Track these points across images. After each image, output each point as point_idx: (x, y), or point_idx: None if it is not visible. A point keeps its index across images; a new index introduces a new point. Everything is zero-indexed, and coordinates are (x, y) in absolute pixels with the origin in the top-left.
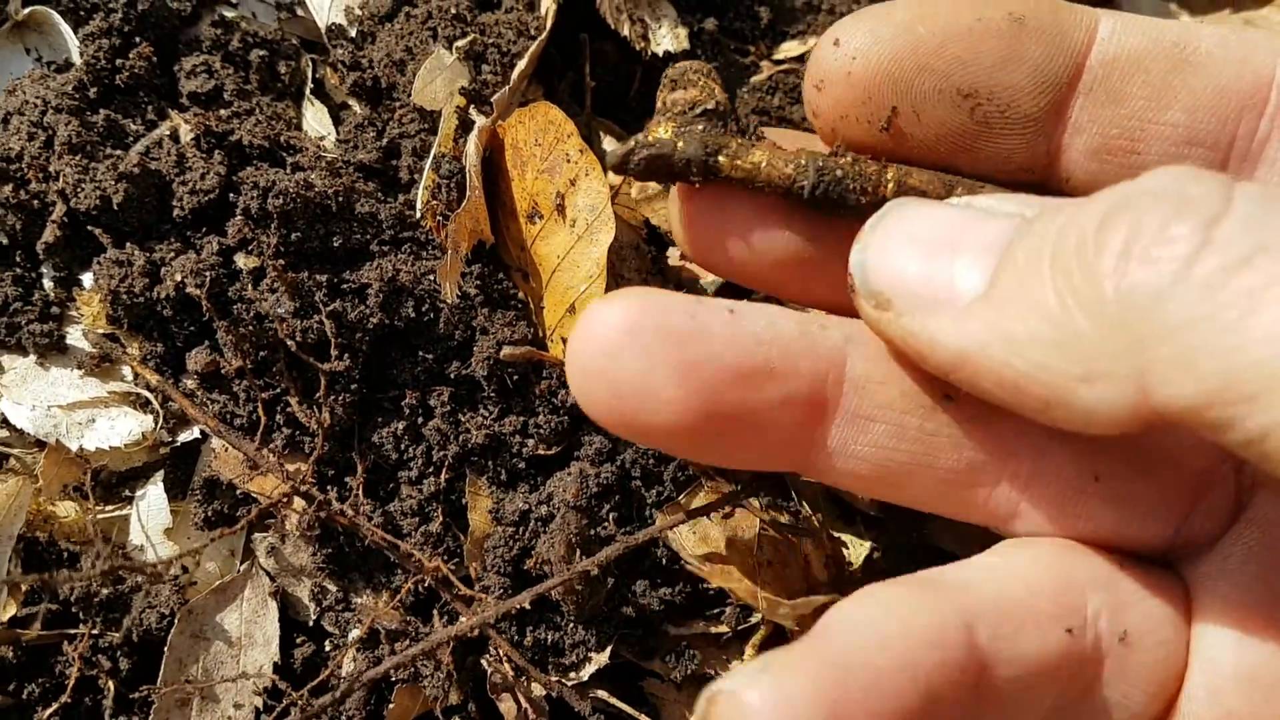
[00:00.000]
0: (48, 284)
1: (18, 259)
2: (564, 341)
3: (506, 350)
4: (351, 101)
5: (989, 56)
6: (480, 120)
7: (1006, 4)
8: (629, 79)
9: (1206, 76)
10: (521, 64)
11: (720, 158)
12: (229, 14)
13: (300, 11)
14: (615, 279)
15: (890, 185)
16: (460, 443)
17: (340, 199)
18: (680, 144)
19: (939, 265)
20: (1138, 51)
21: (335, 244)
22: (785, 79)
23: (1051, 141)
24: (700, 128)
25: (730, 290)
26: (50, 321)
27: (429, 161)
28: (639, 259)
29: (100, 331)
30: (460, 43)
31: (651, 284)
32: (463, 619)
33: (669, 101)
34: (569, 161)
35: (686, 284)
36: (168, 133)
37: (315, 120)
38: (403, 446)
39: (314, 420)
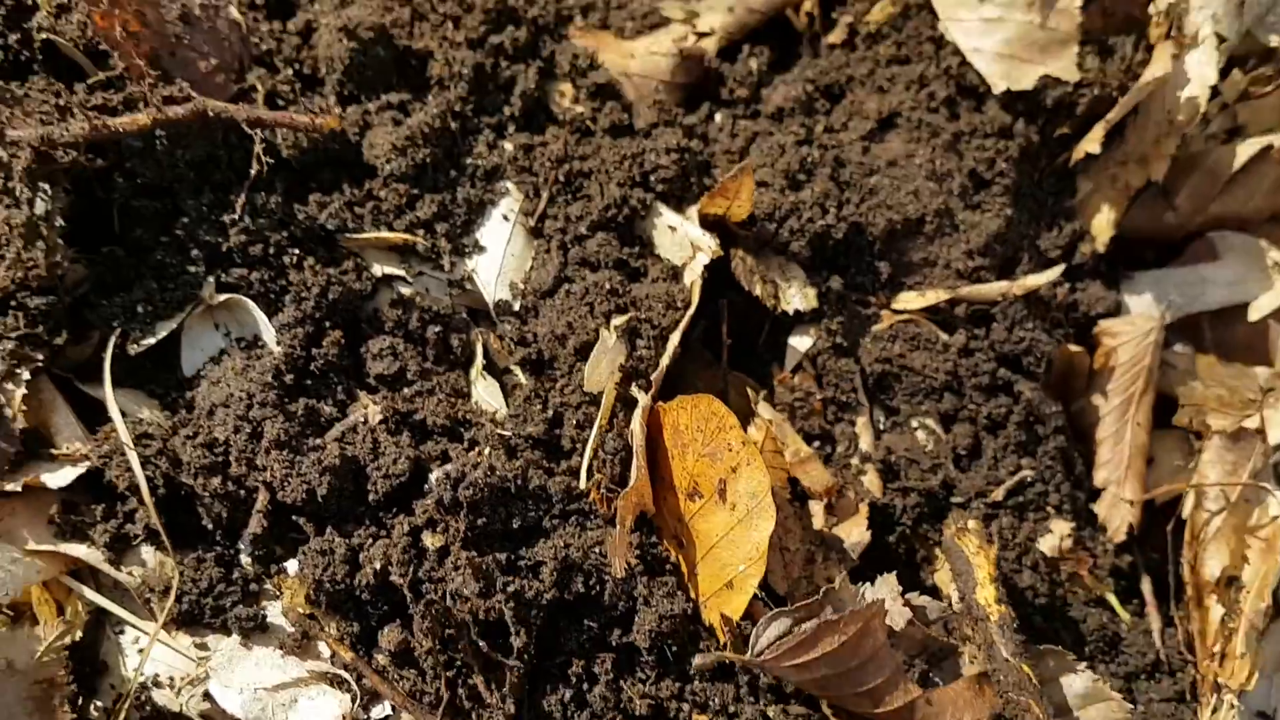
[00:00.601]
0: (245, 560)
1: (218, 538)
2: (721, 616)
3: (698, 661)
4: (516, 370)
5: None
6: (642, 399)
7: None
8: (758, 328)
9: None
10: (674, 339)
11: None
12: (406, 291)
13: (468, 285)
14: (779, 552)
15: None
16: (623, 709)
17: (518, 481)
18: None
19: None
20: None
21: (514, 524)
22: (905, 328)
23: None
24: None
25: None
26: (252, 603)
27: (593, 436)
28: (801, 528)
29: (300, 611)
30: (618, 321)
31: (811, 550)
32: None
33: None
34: (730, 450)
35: (830, 541)
36: (361, 418)
37: (486, 394)
38: (569, 713)
39: (495, 696)
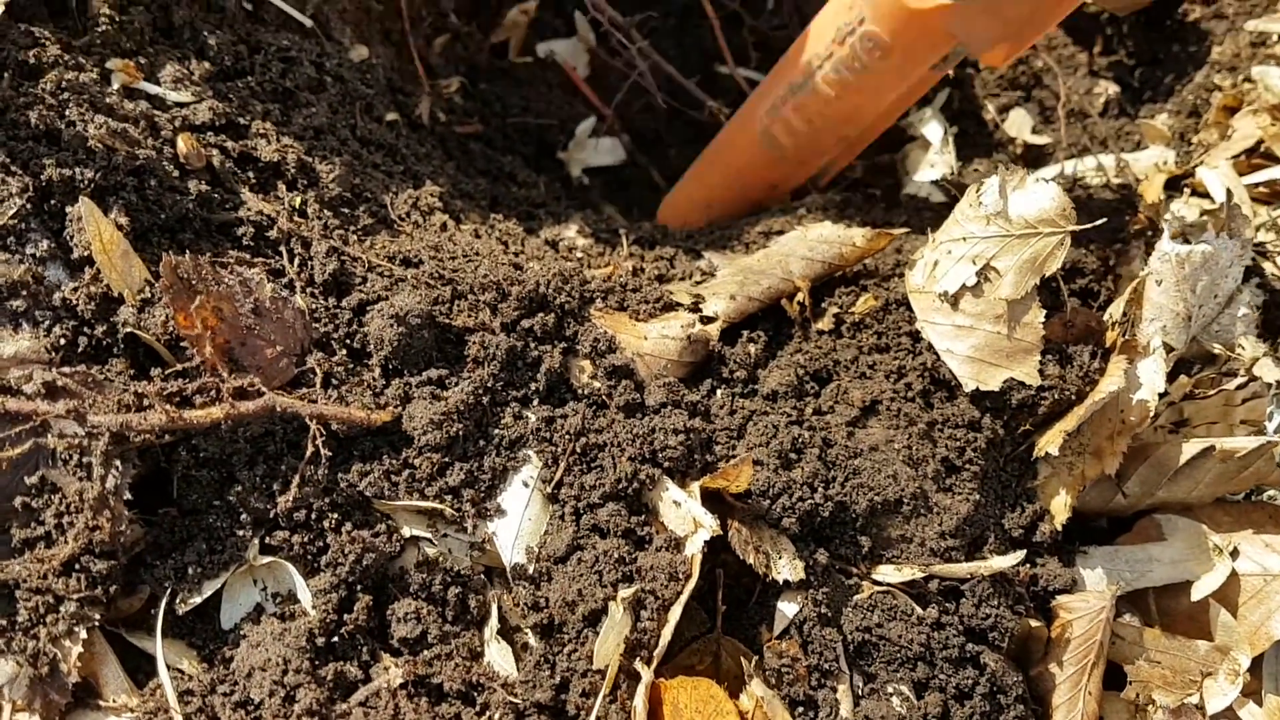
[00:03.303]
0: None
1: None
2: None
3: None
4: (527, 632)
5: None
6: (645, 675)
7: None
8: (749, 591)
9: None
10: (675, 611)
11: None
12: (431, 552)
13: (488, 546)
14: None
15: None
16: None
17: None
18: None
19: None
20: None
21: None
22: (883, 599)
23: None
24: None
25: None
26: None
27: (596, 707)
28: None
29: None
30: (625, 594)
31: None
32: None
33: None
34: None
35: None
36: (384, 683)
37: (499, 657)
38: None
39: None
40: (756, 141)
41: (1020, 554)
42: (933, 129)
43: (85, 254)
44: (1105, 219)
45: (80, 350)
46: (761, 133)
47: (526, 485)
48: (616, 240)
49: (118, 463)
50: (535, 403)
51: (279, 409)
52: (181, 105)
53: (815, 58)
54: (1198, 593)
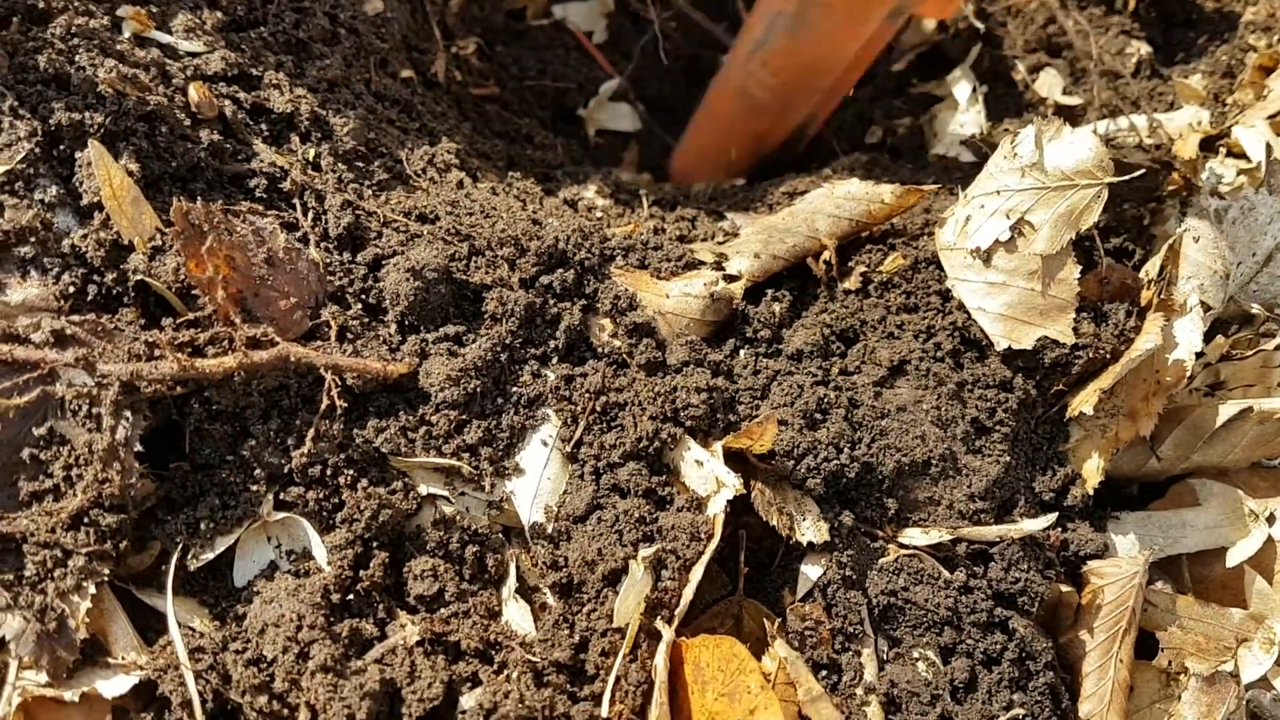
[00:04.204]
0: None
1: None
2: None
3: None
4: (546, 592)
5: None
6: (666, 634)
7: None
8: (772, 554)
9: None
10: (697, 571)
11: None
12: (448, 510)
13: (506, 506)
14: None
15: None
16: None
17: (546, 711)
18: None
19: None
20: None
21: None
22: (910, 562)
23: None
24: None
25: None
26: None
27: (616, 665)
28: None
29: None
30: (645, 553)
31: None
32: None
33: None
34: (749, 693)
35: None
36: (401, 640)
37: (518, 615)
38: None
39: None
40: (736, 94)
41: (1051, 517)
42: (962, 88)
43: (95, 200)
44: (1143, 171)
45: (90, 298)
46: (739, 86)
47: (545, 444)
48: (636, 201)
49: (128, 414)
50: (554, 360)
51: (293, 359)
52: (193, 55)
53: (772, 15)
54: (1233, 559)
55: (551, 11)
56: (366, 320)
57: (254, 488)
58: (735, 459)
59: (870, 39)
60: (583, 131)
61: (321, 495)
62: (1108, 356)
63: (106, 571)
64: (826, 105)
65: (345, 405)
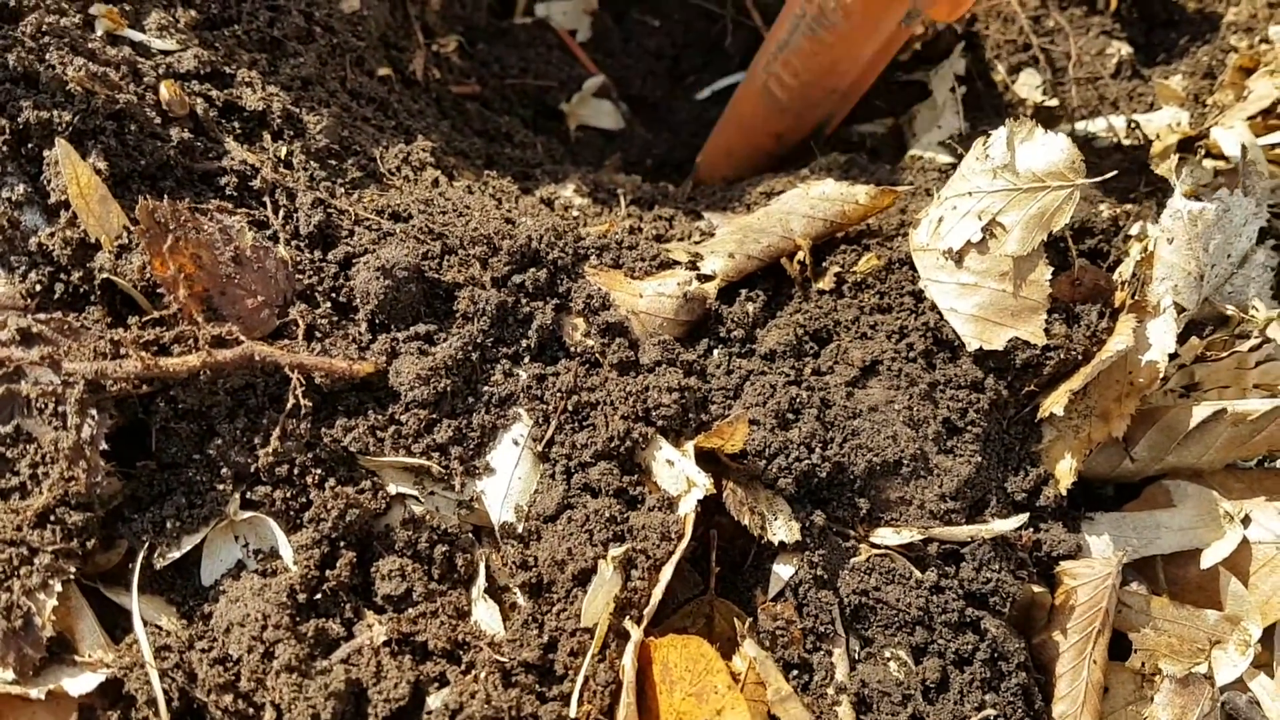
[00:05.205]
0: None
1: None
2: None
3: None
4: (515, 591)
5: None
6: (635, 634)
7: None
8: (744, 553)
9: None
10: (667, 571)
11: None
12: (418, 510)
13: (476, 505)
14: None
15: None
16: None
17: (513, 711)
18: None
19: None
20: None
21: None
22: (881, 562)
23: None
24: None
25: None
26: None
27: (585, 665)
28: None
29: None
30: (615, 553)
31: None
32: None
33: None
34: (717, 693)
35: None
36: (367, 640)
37: (486, 615)
38: None
39: None
40: (759, 94)
41: (1023, 517)
42: (941, 89)
43: (62, 198)
44: (1115, 173)
45: (56, 296)
46: (761, 86)
47: (516, 443)
48: (614, 200)
49: (93, 412)
50: (526, 360)
51: (258, 358)
52: (166, 53)
53: (796, 17)
54: (1207, 561)
55: (534, 9)
56: (336, 319)
57: (220, 487)
58: (707, 459)
59: (885, 42)
60: (564, 129)
61: (289, 494)
62: (1079, 358)
63: (73, 569)
64: (843, 107)
65: (312, 404)
